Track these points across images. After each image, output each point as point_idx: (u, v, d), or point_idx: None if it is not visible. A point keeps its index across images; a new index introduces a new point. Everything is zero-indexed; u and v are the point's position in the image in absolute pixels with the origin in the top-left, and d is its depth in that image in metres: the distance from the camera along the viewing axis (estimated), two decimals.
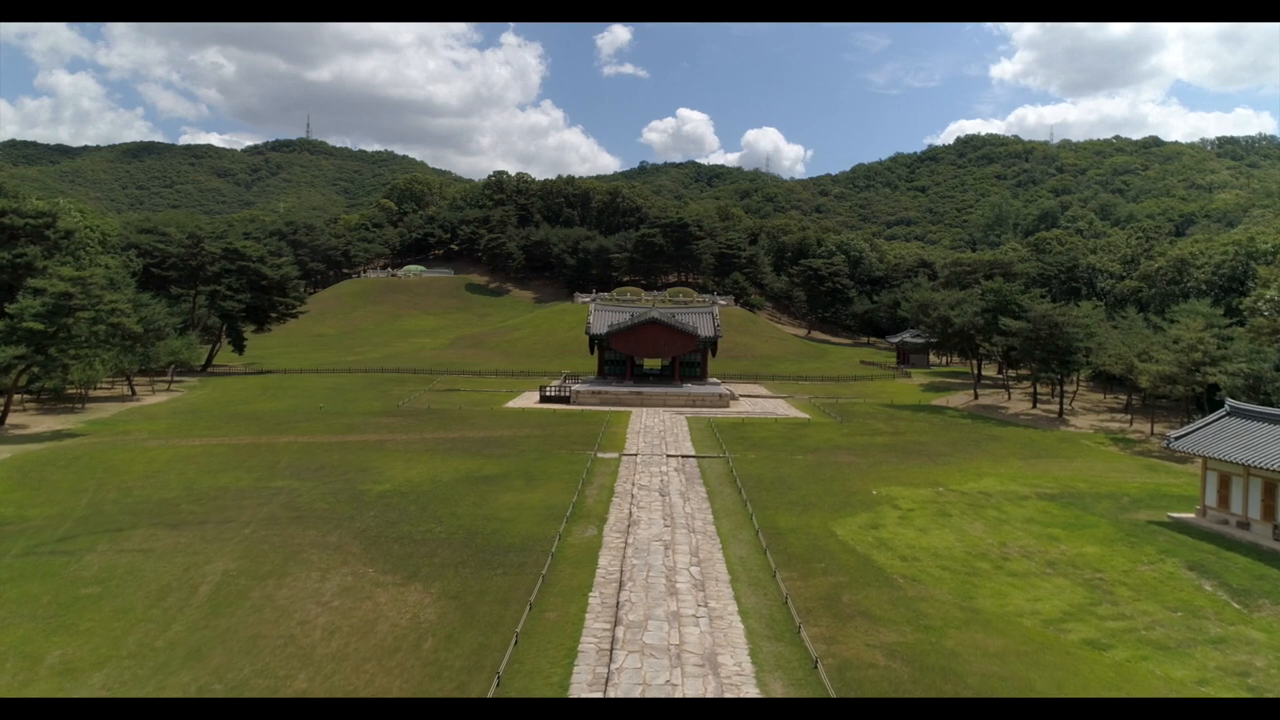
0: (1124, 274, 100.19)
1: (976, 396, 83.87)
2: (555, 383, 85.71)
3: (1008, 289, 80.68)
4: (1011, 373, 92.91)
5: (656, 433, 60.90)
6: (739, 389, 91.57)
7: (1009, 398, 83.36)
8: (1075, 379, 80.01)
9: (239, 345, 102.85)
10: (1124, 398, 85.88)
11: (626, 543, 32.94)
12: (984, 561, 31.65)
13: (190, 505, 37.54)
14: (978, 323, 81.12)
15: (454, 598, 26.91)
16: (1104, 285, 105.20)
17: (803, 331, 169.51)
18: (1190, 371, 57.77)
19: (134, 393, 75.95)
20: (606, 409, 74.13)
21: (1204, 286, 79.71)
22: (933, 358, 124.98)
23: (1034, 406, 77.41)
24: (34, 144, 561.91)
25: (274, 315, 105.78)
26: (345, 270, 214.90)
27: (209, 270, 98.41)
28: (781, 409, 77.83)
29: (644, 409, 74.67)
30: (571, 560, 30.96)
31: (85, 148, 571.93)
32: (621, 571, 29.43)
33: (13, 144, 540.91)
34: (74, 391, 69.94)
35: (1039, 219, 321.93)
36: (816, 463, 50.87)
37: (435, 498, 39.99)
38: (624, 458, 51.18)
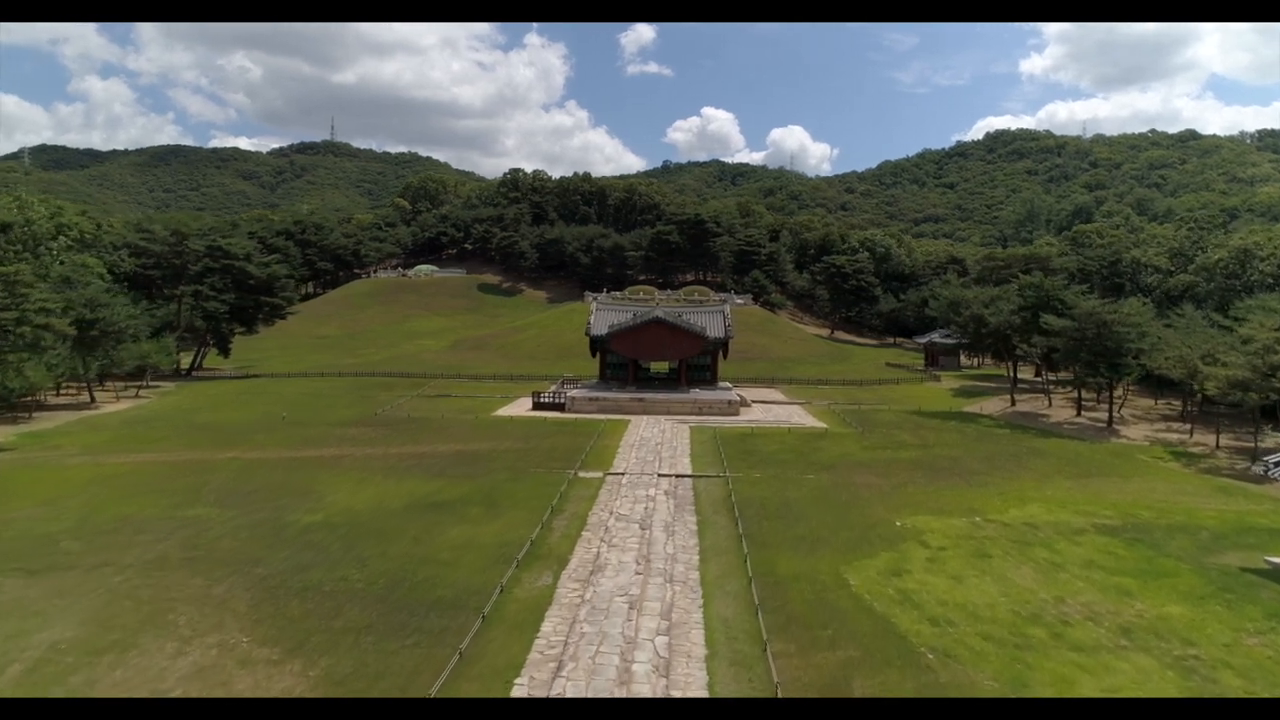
0: (1172, 268, 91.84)
1: (1014, 403, 76.23)
2: (552, 387, 79.36)
3: (1049, 284, 72.89)
4: (1050, 376, 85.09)
5: (653, 446, 54.16)
6: (753, 394, 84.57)
7: (1049, 404, 75.67)
8: (1124, 384, 72.08)
9: (224, 348, 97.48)
10: (1178, 403, 77.87)
11: (584, 598, 26.27)
12: (1038, 627, 24.60)
13: (71, 542, 31.38)
14: (1014, 322, 73.46)
15: (337, 684, 20.39)
16: (1150, 281, 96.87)
17: (825, 332, 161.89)
18: (1266, 376, 50.02)
19: (93, 400, 70.44)
20: (604, 418, 67.51)
21: (1270, 280, 71.54)
22: (963, 359, 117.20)
23: (1079, 414, 69.68)
24: (64, 148, 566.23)
25: (261, 316, 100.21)
26: (356, 270, 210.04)
27: (191, 269, 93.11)
28: (797, 417, 70.80)
29: (645, 417, 67.94)
30: (510, 623, 24.35)
31: (114, 152, 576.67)
32: (567, 643, 22.77)
33: (43, 149, 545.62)
34: (28, 399, 64.63)
35: (1073, 214, 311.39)
36: (831, 484, 43.89)
37: (370, 531, 33.55)
38: (609, 478, 44.51)
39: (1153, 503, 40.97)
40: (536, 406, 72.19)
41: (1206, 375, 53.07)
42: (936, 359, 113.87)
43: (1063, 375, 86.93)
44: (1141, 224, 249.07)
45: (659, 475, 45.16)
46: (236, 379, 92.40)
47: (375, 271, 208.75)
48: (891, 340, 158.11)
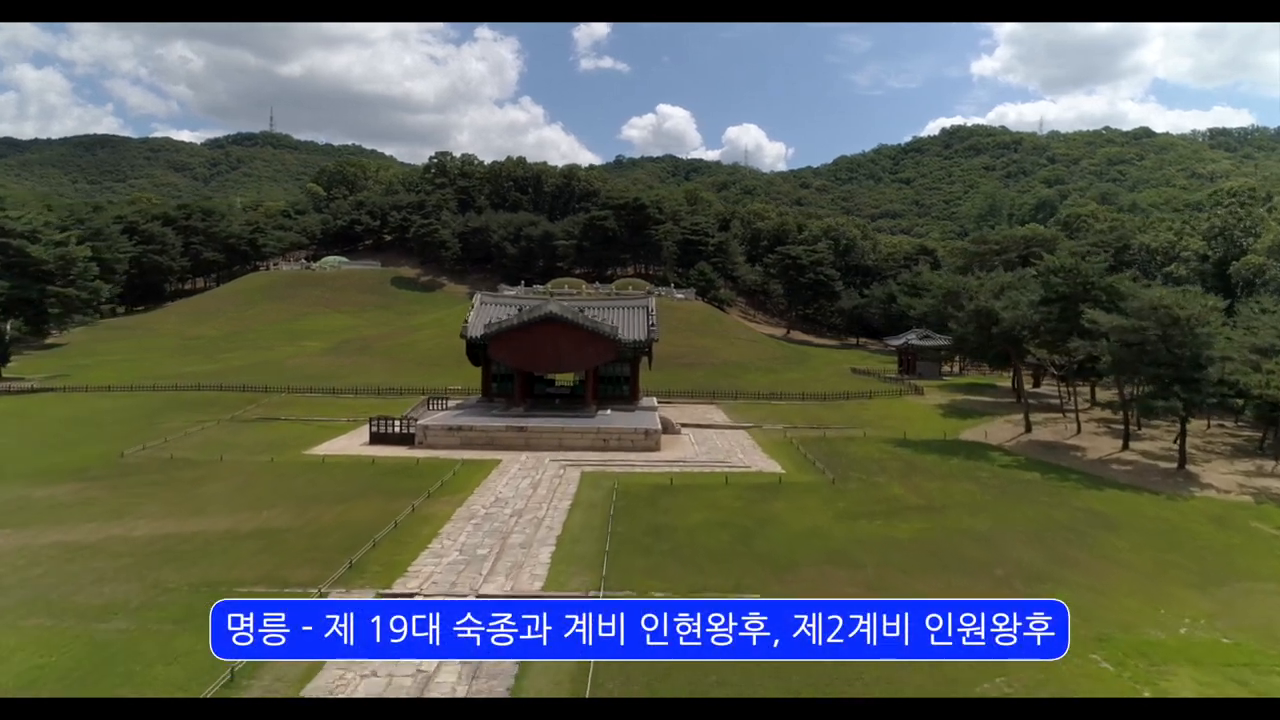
0: (1209, 253, 74.00)
1: (1029, 427, 57.10)
2: (410, 409, 58.64)
3: (1087, 268, 53.89)
4: (1064, 387, 66.39)
5: (507, 515, 33.73)
6: (685, 413, 64.71)
7: (1078, 429, 56.70)
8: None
9: None
10: (1233, 425, 59.84)
11: None
12: None
13: None
14: (1032, 318, 54.32)
15: None
16: (1173, 270, 79.18)
17: (780, 331, 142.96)
18: None
19: None
20: (464, 456, 46.85)
21: None
22: (943, 364, 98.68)
23: (1125, 447, 50.76)
24: None
25: (55, 312, 77.24)
26: (256, 263, 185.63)
27: None
28: (740, 452, 50.92)
29: (524, 455, 47.50)
30: None
31: (35, 141, 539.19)
32: None
33: None
34: None
35: (1036, 208, 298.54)
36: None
37: None
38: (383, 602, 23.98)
39: None
40: (375, 439, 51.28)
41: None
42: (912, 364, 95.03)
43: (1079, 388, 68.58)
44: (1108, 214, 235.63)
45: (478, 596, 24.75)
46: (16, 395, 69.89)
47: (276, 264, 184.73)
48: (854, 341, 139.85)
